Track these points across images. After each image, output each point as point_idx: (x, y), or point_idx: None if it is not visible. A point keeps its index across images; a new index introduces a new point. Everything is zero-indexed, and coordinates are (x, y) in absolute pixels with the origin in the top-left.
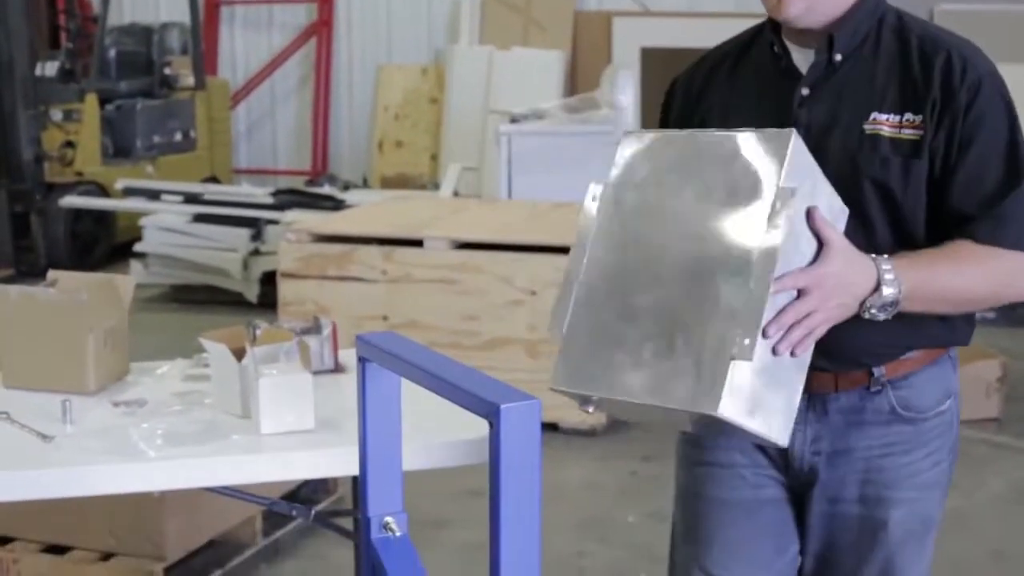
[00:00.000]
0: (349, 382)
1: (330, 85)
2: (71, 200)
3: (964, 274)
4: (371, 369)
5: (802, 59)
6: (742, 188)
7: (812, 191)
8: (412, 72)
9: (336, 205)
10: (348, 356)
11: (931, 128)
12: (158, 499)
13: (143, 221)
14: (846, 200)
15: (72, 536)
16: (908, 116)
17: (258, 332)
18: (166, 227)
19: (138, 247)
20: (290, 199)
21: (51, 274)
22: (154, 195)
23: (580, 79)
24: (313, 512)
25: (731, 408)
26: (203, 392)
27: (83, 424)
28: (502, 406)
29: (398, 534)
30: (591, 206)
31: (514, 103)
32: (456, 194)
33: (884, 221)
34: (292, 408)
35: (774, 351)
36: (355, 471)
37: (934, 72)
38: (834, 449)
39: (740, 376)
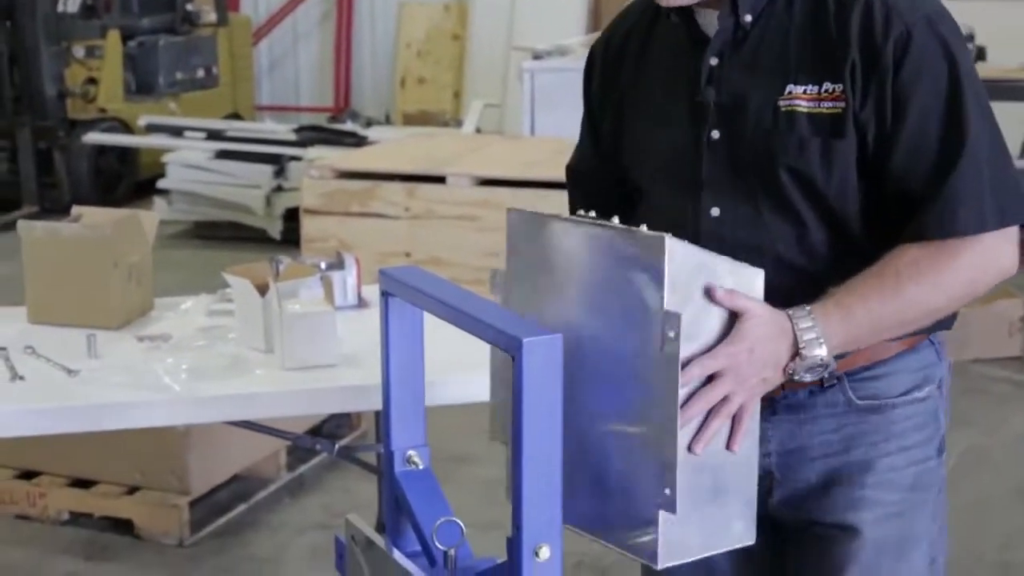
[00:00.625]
0: (372, 318)
1: (352, 22)
2: (94, 137)
3: (912, 294)
4: (394, 303)
5: (710, 23)
6: (627, 304)
7: (710, 278)
8: (434, 8)
9: (358, 142)
10: (371, 292)
11: (855, 98)
12: (183, 434)
13: (166, 158)
14: (767, 193)
15: (98, 470)
16: (827, 86)
17: (281, 267)
18: (189, 164)
19: (161, 184)
20: (313, 136)
21: (75, 210)
22: (177, 132)
23: (603, 15)
24: (337, 447)
25: (674, 555)
26: (227, 327)
27: (108, 359)
28: (524, 340)
29: (421, 467)
30: (493, 295)
31: (537, 40)
32: (478, 131)
33: (814, 216)
34: (315, 343)
35: (689, 449)
36: (378, 406)
37: (851, 28)
38: (785, 449)
39: (680, 511)
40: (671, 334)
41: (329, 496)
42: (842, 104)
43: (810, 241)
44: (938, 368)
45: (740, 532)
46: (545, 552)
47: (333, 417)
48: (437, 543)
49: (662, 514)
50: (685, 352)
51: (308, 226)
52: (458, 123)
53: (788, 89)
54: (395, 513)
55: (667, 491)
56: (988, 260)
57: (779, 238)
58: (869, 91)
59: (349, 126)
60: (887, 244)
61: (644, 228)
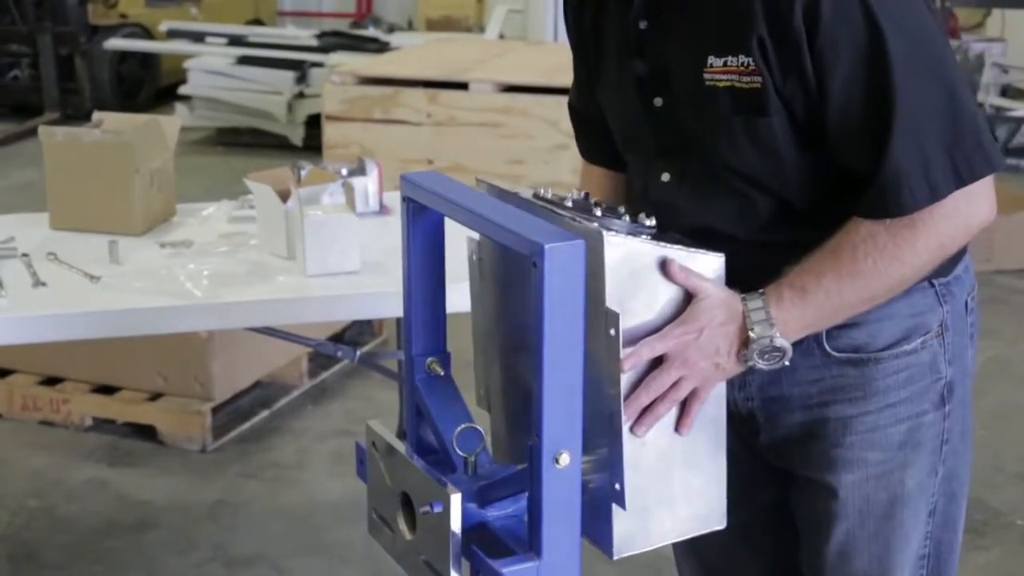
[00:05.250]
0: (394, 224)
1: None
2: (115, 42)
3: (871, 269)
4: (415, 209)
5: None
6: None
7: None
8: None
9: (381, 48)
10: (393, 198)
11: (771, 73)
12: (205, 340)
13: (187, 64)
14: (706, 166)
15: (121, 376)
16: (742, 59)
17: (303, 173)
18: (210, 70)
19: (183, 90)
20: (335, 41)
21: (96, 115)
22: (198, 37)
23: None
24: (358, 353)
25: (630, 545)
26: (249, 233)
27: (130, 264)
28: (546, 246)
29: (441, 374)
30: (470, 263)
31: None
32: (502, 37)
33: (754, 191)
34: (337, 249)
35: (632, 431)
36: (400, 313)
37: None
38: (766, 396)
39: (631, 498)
40: (611, 332)
41: (351, 403)
42: (759, 79)
43: (757, 215)
44: (936, 313)
45: (706, 516)
46: (565, 459)
47: (355, 324)
48: (457, 449)
49: (615, 507)
50: (634, 328)
51: (330, 132)
52: (481, 29)
53: (710, 61)
54: (415, 420)
55: (616, 485)
56: (953, 222)
57: (724, 212)
58: (787, 66)
59: (371, 32)
60: (847, 214)
61: (601, 212)
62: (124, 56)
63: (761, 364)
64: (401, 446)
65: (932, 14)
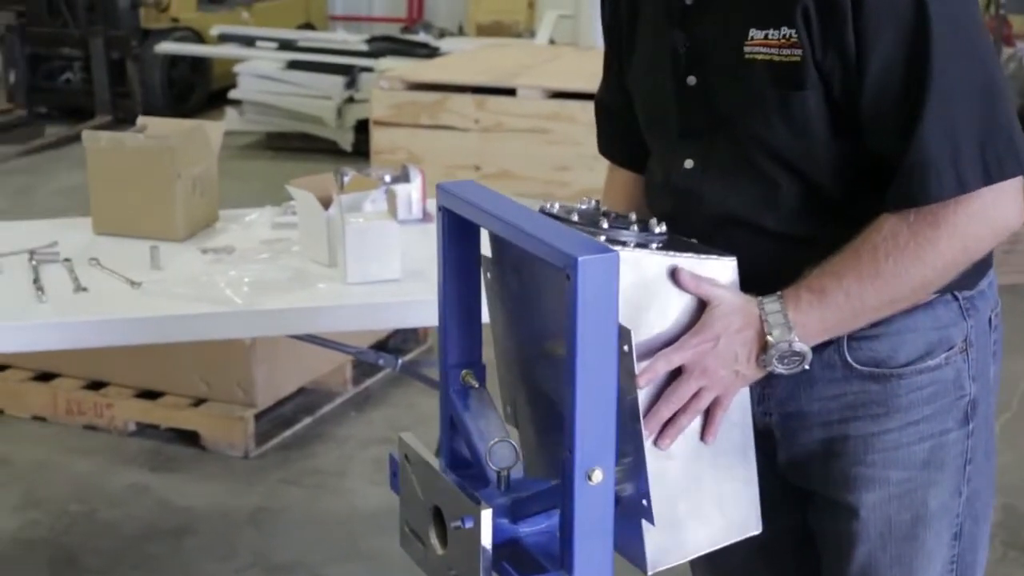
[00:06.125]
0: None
1: None
2: (167, 46)
3: (892, 270)
4: (451, 218)
5: None
6: None
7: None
8: None
9: (430, 53)
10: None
11: (813, 45)
12: (248, 346)
13: (237, 68)
14: (733, 148)
15: (164, 382)
16: (784, 31)
17: (346, 180)
18: (260, 74)
19: (233, 94)
20: (385, 46)
21: (141, 120)
22: (249, 41)
23: None
24: (400, 362)
25: (665, 559)
26: (291, 240)
27: (171, 270)
28: (580, 258)
29: (476, 387)
30: (484, 281)
31: None
32: (552, 42)
33: (783, 173)
34: (378, 257)
35: (656, 444)
36: None
37: None
38: (785, 411)
39: (660, 513)
40: (624, 348)
41: (394, 410)
42: (799, 52)
43: (784, 202)
44: (960, 328)
45: (741, 523)
46: (598, 475)
47: (399, 331)
48: (490, 464)
49: (644, 523)
50: (649, 341)
51: (377, 138)
52: (532, 34)
53: (751, 34)
54: (450, 432)
55: (644, 502)
56: (979, 222)
57: (750, 198)
58: (828, 38)
59: (422, 37)
60: (875, 212)
61: (610, 223)
62: (175, 60)
63: (781, 369)
64: (433, 459)
65: (979, 7)
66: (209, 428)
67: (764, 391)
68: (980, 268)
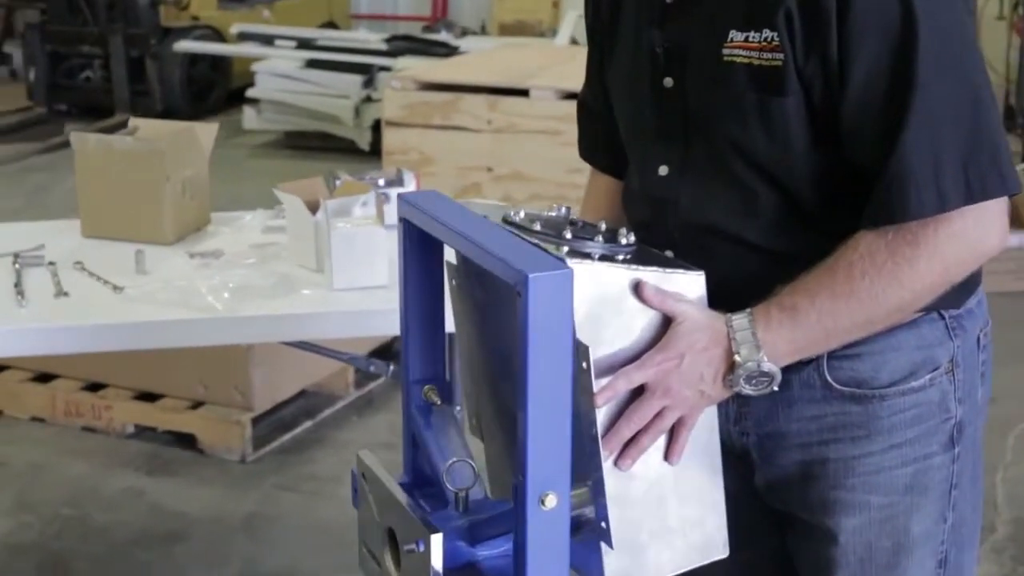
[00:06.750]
0: None
1: None
2: (186, 44)
3: (867, 290)
4: (411, 230)
5: None
6: None
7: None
8: None
9: (449, 52)
10: None
11: (795, 51)
12: (246, 350)
13: (255, 67)
14: (708, 154)
15: (163, 384)
16: (766, 33)
17: (338, 183)
18: (278, 73)
19: (250, 92)
20: (403, 46)
21: (132, 121)
22: (268, 40)
23: None
24: (391, 368)
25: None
26: (280, 244)
27: (156, 275)
28: (530, 275)
29: (438, 403)
30: (449, 288)
31: None
32: (574, 41)
33: (760, 182)
34: (365, 262)
35: (617, 464)
36: None
37: None
38: (763, 432)
39: (621, 534)
40: (583, 365)
41: (397, 415)
42: (780, 56)
43: (762, 212)
44: (945, 348)
45: (705, 546)
46: (552, 500)
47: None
48: (447, 484)
49: (603, 545)
50: (610, 358)
51: (389, 138)
52: (555, 33)
53: (731, 35)
54: (412, 450)
55: (602, 523)
56: (959, 243)
57: (727, 206)
58: (811, 43)
59: (442, 36)
60: (856, 230)
61: (574, 233)
62: (195, 58)
63: (748, 390)
64: (389, 479)
65: (971, 20)
66: (206, 431)
67: (741, 410)
68: (967, 286)
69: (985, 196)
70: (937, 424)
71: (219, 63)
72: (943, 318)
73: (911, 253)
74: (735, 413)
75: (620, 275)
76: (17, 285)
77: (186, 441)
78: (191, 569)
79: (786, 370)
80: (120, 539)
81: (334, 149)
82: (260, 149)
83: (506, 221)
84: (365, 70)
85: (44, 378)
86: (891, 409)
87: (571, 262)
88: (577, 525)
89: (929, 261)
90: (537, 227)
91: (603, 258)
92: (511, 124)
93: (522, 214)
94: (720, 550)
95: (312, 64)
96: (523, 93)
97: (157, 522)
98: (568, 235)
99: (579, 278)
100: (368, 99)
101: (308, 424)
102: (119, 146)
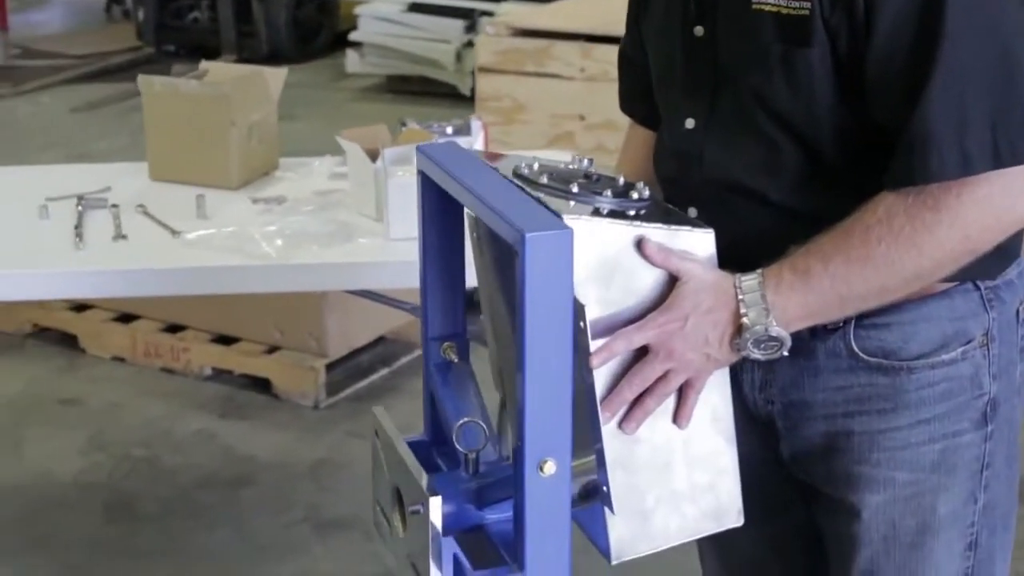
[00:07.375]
0: None
1: None
2: None
3: (884, 256)
4: (428, 183)
5: None
6: None
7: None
8: None
9: None
10: None
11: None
12: (319, 296)
13: (358, 10)
14: (734, 106)
15: (240, 328)
16: None
17: (403, 131)
18: (380, 16)
19: (353, 36)
20: None
21: (203, 64)
22: None
23: None
24: None
25: (629, 549)
26: (345, 192)
27: (217, 220)
28: (528, 234)
29: (455, 361)
30: (471, 240)
31: None
32: None
33: (785, 137)
34: None
35: (621, 427)
36: None
37: None
38: (787, 400)
39: (625, 499)
40: (581, 324)
41: (476, 364)
42: (808, 5)
43: (786, 168)
44: (980, 320)
45: (717, 513)
46: (550, 467)
47: None
48: (457, 444)
49: (607, 511)
50: (612, 318)
51: (483, 84)
52: None
53: None
54: (431, 407)
55: (604, 488)
56: (984, 211)
57: (751, 162)
58: None
59: None
60: (879, 190)
61: (580, 187)
62: (301, 1)
63: (757, 354)
64: (399, 437)
65: None
66: (281, 377)
67: (766, 377)
68: (1006, 255)
69: (1015, 161)
70: (968, 400)
71: (325, 5)
72: (978, 288)
73: (931, 218)
74: (760, 380)
75: (622, 232)
76: (77, 227)
77: (261, 385)
78: (255, 514)
79: (812, 338)
80: (187, 481)
81: (435, 94)
82: (362, 93)
83: (516, 174)
84: (467, 15)
85: (126, 318)
86: (919, 382)
87: (570, 218)
88: (587, 492)
89: (950, 228)
90: (544, 180)
91: (612, 213)
92: (604, 72)
93: (535, 166)
94: (734, 517)
95: (414, 8)
96: (616, 41)
97: (226, 465)
98: (575, 189)
99: (579, 235)
100: (469, 44)
101: (384, 372)
102: (185, 89)
